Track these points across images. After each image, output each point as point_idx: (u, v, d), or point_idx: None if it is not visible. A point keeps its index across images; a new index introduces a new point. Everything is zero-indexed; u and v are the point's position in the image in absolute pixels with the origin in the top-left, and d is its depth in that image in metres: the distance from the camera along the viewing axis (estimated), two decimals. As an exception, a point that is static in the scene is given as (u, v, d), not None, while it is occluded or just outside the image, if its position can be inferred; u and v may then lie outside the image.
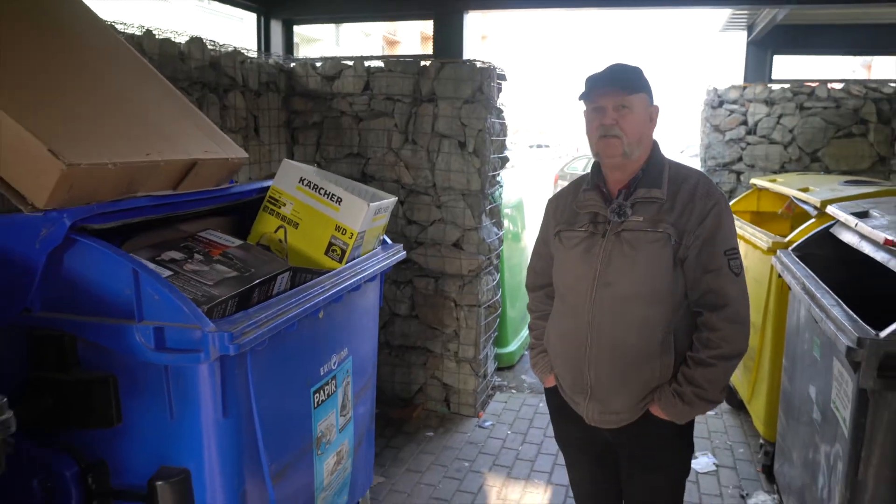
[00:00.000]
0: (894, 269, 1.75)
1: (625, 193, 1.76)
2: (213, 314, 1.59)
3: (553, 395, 1.97)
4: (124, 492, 1.63)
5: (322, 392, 2.04)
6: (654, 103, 1.78)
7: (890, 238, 1.83)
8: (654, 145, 1.80)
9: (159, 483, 1.55)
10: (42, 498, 1.57)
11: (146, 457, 1.62)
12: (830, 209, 2.51)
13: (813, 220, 2.75)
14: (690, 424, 1.82)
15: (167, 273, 1.63)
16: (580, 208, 1.83)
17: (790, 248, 2.58)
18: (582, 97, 1.76)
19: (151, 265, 1.61)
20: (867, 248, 2.01)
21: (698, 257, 1.67)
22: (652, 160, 1.77)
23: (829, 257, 2.44)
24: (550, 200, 2.01)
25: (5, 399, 1.11)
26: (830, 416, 1.89)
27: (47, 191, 1.47)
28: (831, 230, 2.45)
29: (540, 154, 35.83)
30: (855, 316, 1.68)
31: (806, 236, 2.57)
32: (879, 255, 1.89)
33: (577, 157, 15.23)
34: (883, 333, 1.51)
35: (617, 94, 1.69)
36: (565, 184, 2.07)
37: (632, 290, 1.70)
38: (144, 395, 1.57)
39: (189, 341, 1.47)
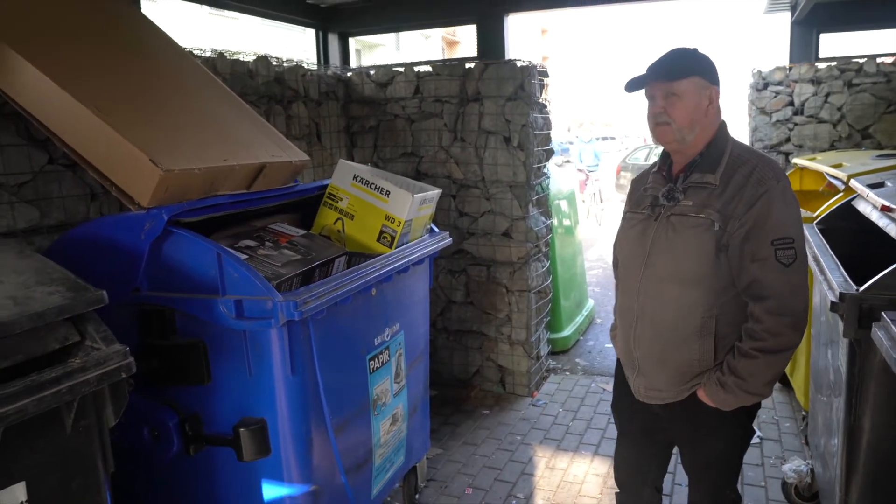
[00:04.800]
0: (891, 234, 1.87)
1: (682, 177, 1.79)
2: (281, 289, 1.91)
3: (619, 366, 2.07)
4: (214, 438, 1.97)
5: (377, 360, 2.34)
6: (714, 84, 1.73)
7: (886, 204, 1.95)
8: (720, 128, 1.78)
9: (242, 430, 1.89)
10: (150, 442, 1.94)
11: (230, 409, 1.94)
12: (853, 182, 2.58)
13: (840, 194, 2.83)
14: (749, 408, 1.80)
15: (244, 256, 1.98)
16: (645, 191, 1.89)
17: (814, 223, 2.67)
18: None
19: (231, 250, 1.96)
20: (875, 217, 2.12)
21: (743, 245, 1.64)
22: (713, 144, 1.76)
23: (851, 230, 2.52)
24: (633, 180, 2.04)
25: (127, 348, 1.46)
26: (838, 374, 2.03)
27: (149, 192, 1.84)
28: (853, 202, 2.54)
29: (606, 146, 35.23)
30: (845, 275, 1.81)
31: (829, 210, 2.66)
32: (882, 222, 2.00)
33: (639, 147, 14.97)
34: (862, 287, 1.66)
35: (662, 83, 1.72)
36: (628, 175, 2.22)
37: (668, 271, 1.75)
38: (228, 357, 1.91)
39: (262, 310, 1.79)
